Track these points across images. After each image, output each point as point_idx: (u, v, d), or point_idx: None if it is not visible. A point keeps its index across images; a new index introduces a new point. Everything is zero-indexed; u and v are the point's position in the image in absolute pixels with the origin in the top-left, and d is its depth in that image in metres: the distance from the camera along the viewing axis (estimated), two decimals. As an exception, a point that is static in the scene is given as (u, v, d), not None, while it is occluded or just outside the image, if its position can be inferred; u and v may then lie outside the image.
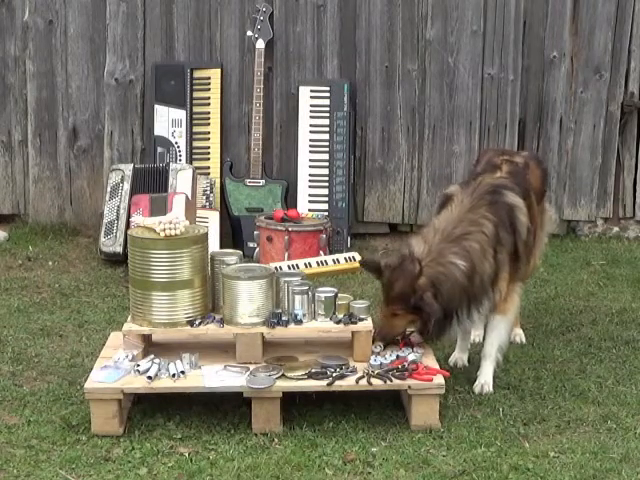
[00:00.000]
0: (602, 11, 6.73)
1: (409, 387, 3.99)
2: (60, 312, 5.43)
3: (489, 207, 4.31)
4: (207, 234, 4.28)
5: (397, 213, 6.92)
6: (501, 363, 4.51)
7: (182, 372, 4.03)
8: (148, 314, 4.16)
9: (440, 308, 4.12)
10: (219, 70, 6.81)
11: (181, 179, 6.43)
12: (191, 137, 6.82)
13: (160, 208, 5.87)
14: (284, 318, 4.16)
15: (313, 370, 4.05)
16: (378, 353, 4.18)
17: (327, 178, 6.73)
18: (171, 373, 4.02)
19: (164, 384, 4.01)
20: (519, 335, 4.98)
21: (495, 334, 4.45)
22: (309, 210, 6.61)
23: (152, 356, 4.12)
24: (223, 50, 6.83)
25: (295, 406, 4.11)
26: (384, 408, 4.18)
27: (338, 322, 4.19)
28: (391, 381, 4.00)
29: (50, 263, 6.30)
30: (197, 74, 6.81)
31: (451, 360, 4.67)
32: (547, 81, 6.83)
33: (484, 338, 4.56)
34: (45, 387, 4.42)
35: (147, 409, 4.13)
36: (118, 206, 6.42)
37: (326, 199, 6.72)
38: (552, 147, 6.88)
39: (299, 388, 4.01)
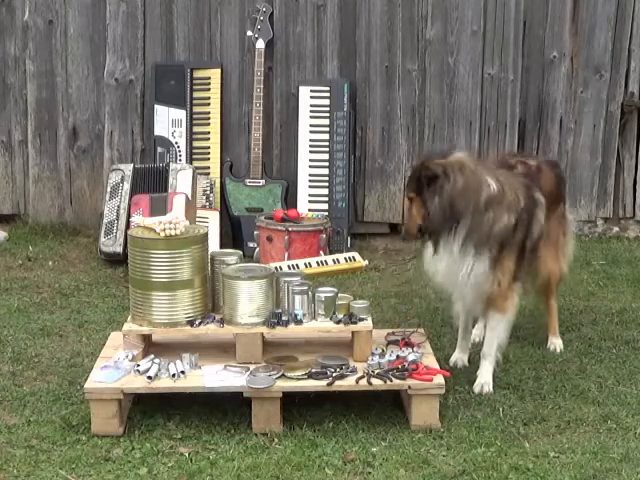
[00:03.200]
0: (602, 11, 6.73)
1: (409, 387, 3.99)
2: (60, 312, 5.43)
3: (525, 193, 4.33)
4: (207, 234, 4.28)
5: (397, 213, 6.92)
6: (501, 362, 4.50)
7: (182, 372, 4.03)
8: (148, 314, 4.16)
9: (441, 192, 4.07)
10: (219, 70, 6.81)
11: (181, 179, 6.43)
12: (191, 137, 6.82)
13: (160, 208, 5.87)
14: (284, 318, 4.16)
15: (313, 370, 4.05)
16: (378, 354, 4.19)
17: (327, 178, 6.73)
18: (171, 373, 4.02)
19: (164, 384, 4.01)
20: (554, 344, 4.91)
21: (494, 334, 4.45)
22: (309, 210, 6.61)
23: (152, 356, 4.12)
24: (223, 50, 6.83)
25: (295, 406, 4.11)
26: (384, 408, 4.18)
27: (338, 322, 4.19)
28: (391, 381, 4.00)
29: (50, 263, 6.30)
30: (197, 74, 6.81)
31: (452, 360, 4.67)
32: (547, 81, 6.84)
33: (484, 337, 4.57)
34: (45, 387, 4.42)
35: (147, 409, 4.13)
36: (118, 206, 6.42)
37: (326, 199, 6.72)
38: (552, 147, 6.88)
39: (299, 388, 4.01)
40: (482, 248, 4.21)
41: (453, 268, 4.25)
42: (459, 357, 4.69)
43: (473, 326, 4.81)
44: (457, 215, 4.14)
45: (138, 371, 4.03)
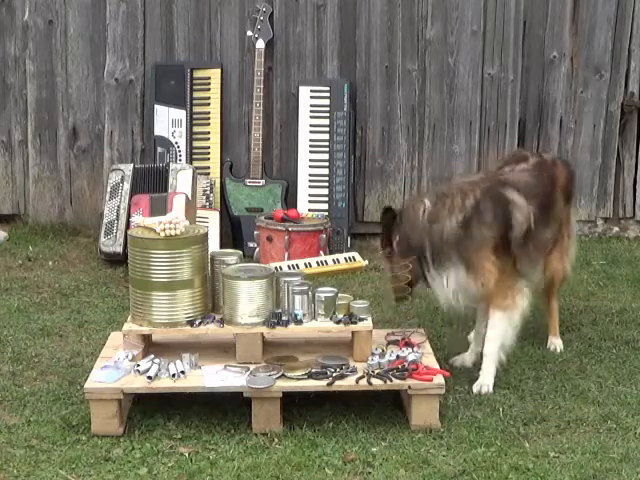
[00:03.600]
0: (602, 11, 6.74)
1: (409, 387, 3.99)
2: (60, 312, 5.43)
3: (485, 190, 4.39)
4: (207, 234, 4.28)
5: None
6: (504, 362, 4.48)
7: (182, 372, 4.03)
8: (148, 314, 4.16)
9: (402, 222, 4.30)
10: (219, 70, 6.81)
11: (181, 179, 6.43)
12: (191, 137, 6.82)
13: (160, 208, 5.87)
14: (284, 318, 4.16)
15: (313, 370, 4.05)
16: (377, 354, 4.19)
17: (327, 178, 6.73)
18: (171, 373, 4.02)
19: (164, 384, 4.01)
20: (555, 344, 4.91)
21: (494, 332, 4.42)
22: (309, 210, 6.61)
23: (152, 356, 4.12)
24: (223, 50, 6.83)
25: (295, 406, 4.11)
26: (384, 408, 4.18)
27: (338, 322, 4.19)
28: (391, 381, 4.00)
29: (50, 263, 6.30)
30: (197, 74, 6.81)
31: (454, 359, 4.68)
32: (547, 81, 6.84)
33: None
34: (45, 387, 4.42)
35: (147, 409, 4.13)
36: (118, 206, 6.42)
37: (326, 199, 6.72)
38: (552, 147, 6.88)
39: (299, 388, 4.01)
40: (450, 257, 4.28)
41: (444, 286, 4.36)
42: (462, 357, 4.70)
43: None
44: (416, 247, 4.29)
45: (138, 371, 4.03)
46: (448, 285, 4.32)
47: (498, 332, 4.42)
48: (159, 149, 6.78)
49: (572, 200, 4.92)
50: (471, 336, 4.96)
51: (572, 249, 4.95)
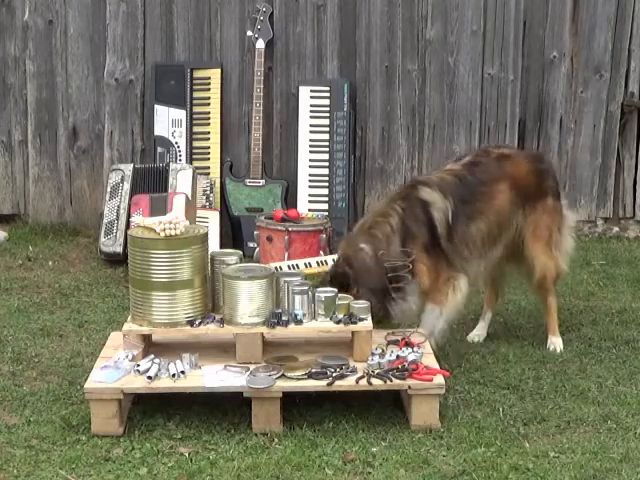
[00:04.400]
0: (602, 11, 6.74)
1: (409, 387, 3.99)
2: (60, 312, 5.43)
3: (402, 201, 4.56)
4: (207, 234, 4.28)
5: (397, 213, 6.91)
6: (436, 351, 4.46)
7: (182, 372, 4.03)
8: (148, 314, 4.16)
9: (355, 275, 4.41)
10: (219, 70, 6.81)
11: (181, 179, 6.43)
12: (191, 137, 6.82)
13: (160, 208, 5.87)
14: (284, 318, 4.16)
15: (313, 370, 4.05)
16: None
17: (327, 178, 6.73)
18: (171, 373, 4.02)
19: (164, 384, 4.01)
20: (554, 344, 4.90)
21: (424, 322, 4.56)
22: (309, 210, 6.61)
23: (152, 356, 4.12)
24: (223, 50, 6.83)
25: (295, 406, 4.11)
26: (384, 408, 4.18)
27: (338, 322, 4.19)
28: (391, 381, 4.00)
29: (50, 263, 6.30)
30: (197, 74, 6.81)
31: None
32: (547, 81, 6.84)
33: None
34: (45, 387, 4.42)
35: (147, 409, 4.12)
36: (118, 206, 6.42)
37: (326, 199, 6.73)
38: (552, 147, 6.88)
39: (299, 388, 4.00)
40: (404, 280, 4.45)
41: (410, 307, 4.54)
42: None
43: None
44: (376, 289, 4.43)
45: (138, 371, 4.03)
46: (412, 304, 4.50)
47: (426, 323, 4.55)
48: (159, 149, 6.78)
49: (553, 194, 4.83)
50: (470, 336, 4.97)
51: (566, 243, 4.92)
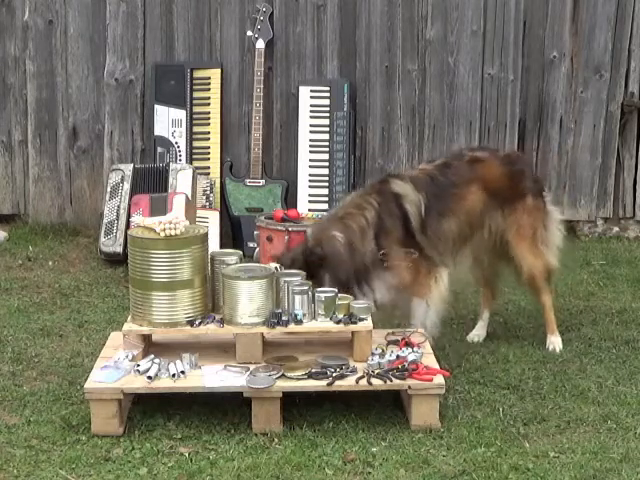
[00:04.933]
0: (602, 11, 6.74)
1: (409, 387, 3.99)
2: (60, 312, 5.43)
3: (377, 195, 4.56)
4: (207, 234, 4.28)
5: (397, 213, 6.91)
6: (432, 343, 4.47)
7: (182, 372, 4.03)
8: (148, 314, 4.16)
9: (325, 261, 4.40)
10: (219, 70, 6.82)
11: (181, 179, 6.43)
12: (191, 137, 6.82)
13: (160, 208, 5.87)
14: (284, 318, 4.16)
15: (313, 370, 4.05)
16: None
17: (327, 178, 6.73)
18: (171, 373, 4.02)
19: (164, 384, 4.01)
20: (553, 344, 4.89)
21: (414, 317, 4.56)
22: (309, 210, 6.60)
23: (152, 356, 4.12)
24: (223, 50, 6.83)
25: (295, 406, 4.11)
26: (384, 408, 4.18)
27: (338, 322, 4.19)
28: (391, 381, 4.00)
29: (50, 263, 6.30)
30: (197, 74, 6.81)
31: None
32: (547, 81, 6.84)
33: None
34: (45, 387, 4.42)
35: (147, 409, 4.12)
36: (118, 206, 6.42)
37: (326, 199, 6.73)
38: (552, 147, 6.88)
39: (299, 388, 4.00)
40: (375, 274, 4.47)
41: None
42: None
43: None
44: (347, 279, 4.43)
45: (138, 371, 4.03)
46: (378, 299, 4.49)
47: (419, 317, 4.56)
48: (159, 149, 6.78)
49: (533, 194, 4.80)
50: (469, 336, 4.97)
51: (553, 237, 4.90)
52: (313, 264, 4.41)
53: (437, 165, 4.77)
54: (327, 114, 6.73)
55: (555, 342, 4.89)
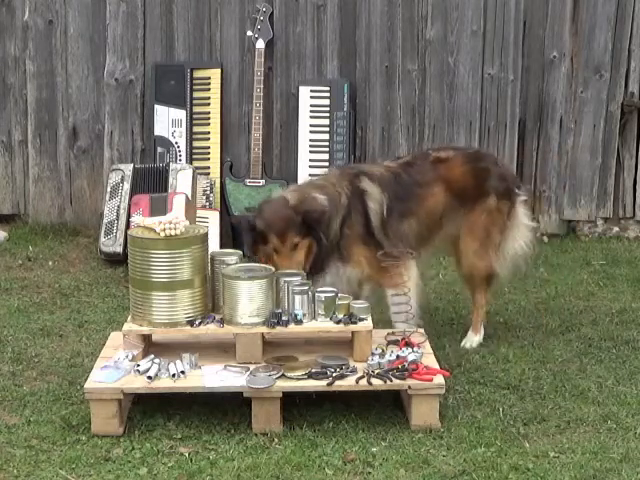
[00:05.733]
0: (602, 11, 6.74)
1: (409, 387, 3.99)
2: (60, 312, 5.43)
3: (349, 184, 4.58)
4: (207, 234, 4.28)
5: (397, 213, 6.91)
6: (421, 325, 4.52)
7: (182, 372, 4.03)
8: (148, 314, 4.16)
9: (308, 221, 4.38)
10: (219, 70, 6.81)
11: (181, 179, 6.43)
12: (191, 137, 6.82)
13: (160, 208, 5.87)
14: (284, 318, 4.16)
15: (313, 370, 4.05)
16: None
17: (327, 178, 6.72)
18: (171, 373, 4.02)
19: (164, 384, 4.01)
20: (470, 341, 4.89)
21: (394, 312, 4.55)
22: (309, 210, 6.60)
23: (152, 356, 4.12)
24: (223, 50, 6.83)
25: (295, 406, 4.11)
26: (384, 408, 4.18)
27: (338, 322, 4.19)
28: (391, 381, 4.00)
29: (50, 263, 6.30)
30: (197, 74, 6.81)
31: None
32: (547, 81, 6.84)
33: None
34: (45, 387, 4.42)
35: (147, 409, 4.13)
36: (118, 206, 6.42)
37: (326, 199, 6.71)
38: (552, 147, 6.88)
39: (299, 388, 4.00)
40: (331, 257, 4.50)
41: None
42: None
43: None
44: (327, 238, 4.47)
45: (138, 371, 4.03)
46: (326, 282, 4.46)
47: (398, 307, 4.50)
48: (159, 149, 6.78)
49: (498, 194, 4.74)
50: (466, 342, 4.94)
51: (510, 246, 4.84)
52: (282, 228, 4.38)
53: (401, 164, 4.79)
54: (327, 114, 6.73)
55: (473, 340, 4.89)
